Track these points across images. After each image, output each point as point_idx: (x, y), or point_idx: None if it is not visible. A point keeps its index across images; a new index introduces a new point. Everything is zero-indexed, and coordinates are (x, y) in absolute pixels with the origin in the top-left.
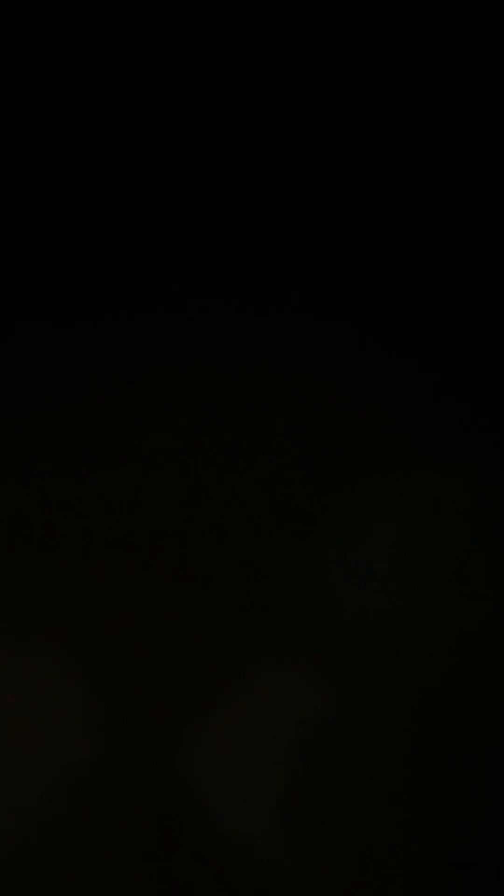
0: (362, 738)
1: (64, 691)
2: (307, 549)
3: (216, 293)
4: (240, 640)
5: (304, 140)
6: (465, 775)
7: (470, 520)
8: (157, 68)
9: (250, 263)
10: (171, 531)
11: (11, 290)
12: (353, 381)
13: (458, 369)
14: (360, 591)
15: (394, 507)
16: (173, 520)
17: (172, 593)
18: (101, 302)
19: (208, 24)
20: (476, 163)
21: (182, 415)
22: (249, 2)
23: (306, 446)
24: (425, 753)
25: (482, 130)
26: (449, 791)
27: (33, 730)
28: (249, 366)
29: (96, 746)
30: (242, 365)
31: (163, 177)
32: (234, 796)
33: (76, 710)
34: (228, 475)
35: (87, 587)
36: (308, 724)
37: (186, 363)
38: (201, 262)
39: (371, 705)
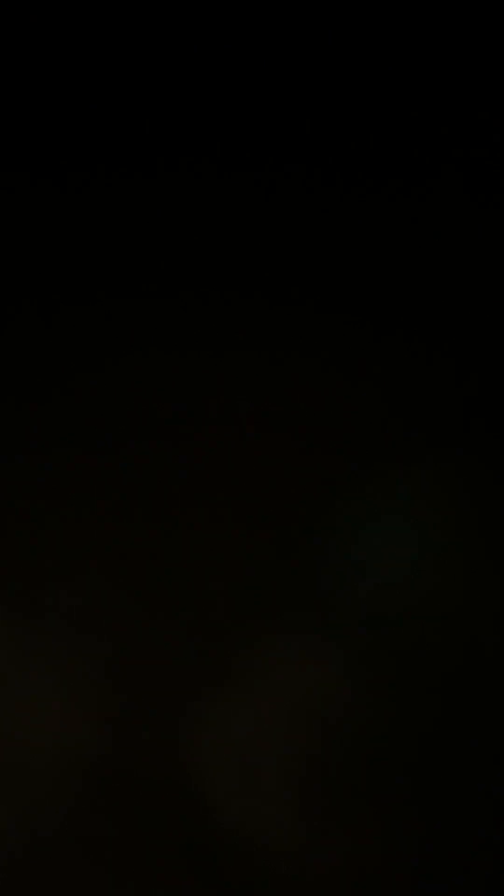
0: (367, 730)
1: (68, 684)
2: (310, 536)
3: (219, 281)
4: (244, 633)
5: (304, 134)
6: (472, 765)
7: (471, 506)
8: (157, 52)
9: (254, 251)
10: (173, 525)
11: (9, 278)
12: (355, 366)
13: (459, 359)
14: (362, 577)
15: (397, 494)
16: (175, 514)
17: (178, 585)
18: (113, 286)
19: (208, 15)
20: (476, 148)
21: (184, 403)
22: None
23: (310, 434)
24: (432, 742)
25: (481, 124)
26: (456, 783)
27: (40, 721)
28: (251, 352)
29: (102, 739)
30: (244, 351)
31: (162, 162)
32: (238, 787)
33: (81, 704)
34: (232, 465)
35: (92, 581)
36: (312, 717)
37: (187, 349)
38: (207, 250)
39: (373, 694)
